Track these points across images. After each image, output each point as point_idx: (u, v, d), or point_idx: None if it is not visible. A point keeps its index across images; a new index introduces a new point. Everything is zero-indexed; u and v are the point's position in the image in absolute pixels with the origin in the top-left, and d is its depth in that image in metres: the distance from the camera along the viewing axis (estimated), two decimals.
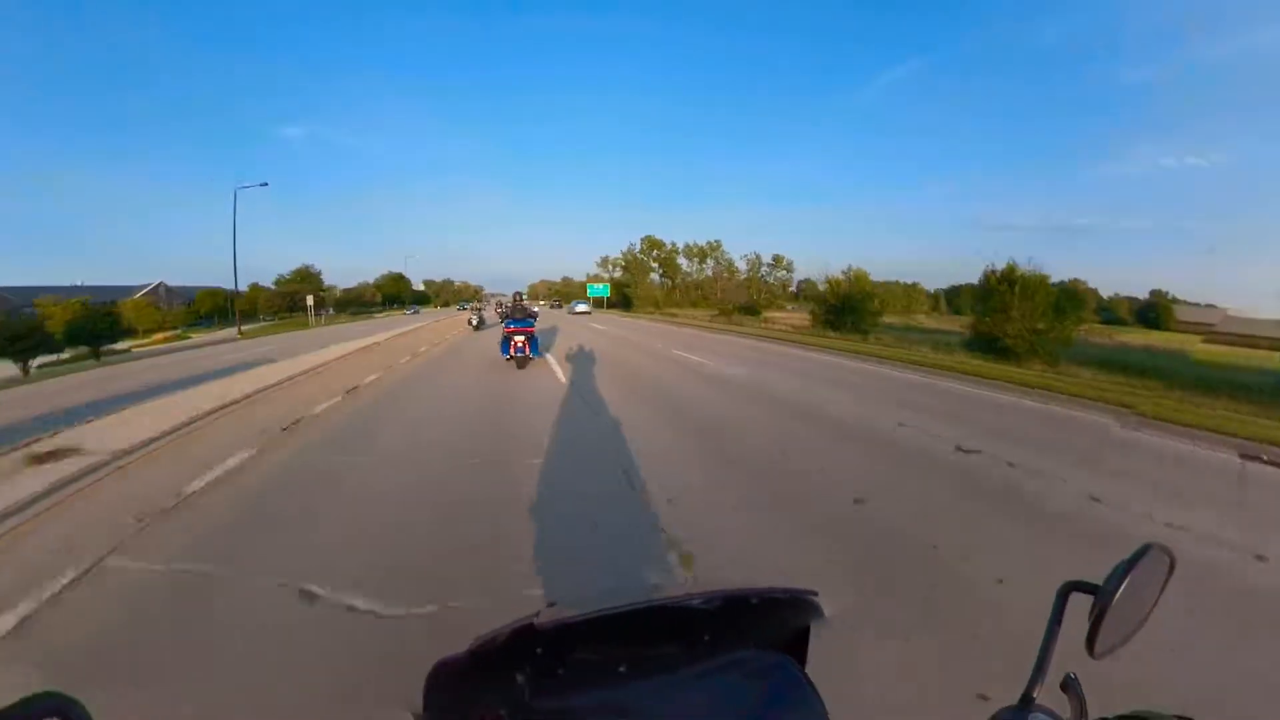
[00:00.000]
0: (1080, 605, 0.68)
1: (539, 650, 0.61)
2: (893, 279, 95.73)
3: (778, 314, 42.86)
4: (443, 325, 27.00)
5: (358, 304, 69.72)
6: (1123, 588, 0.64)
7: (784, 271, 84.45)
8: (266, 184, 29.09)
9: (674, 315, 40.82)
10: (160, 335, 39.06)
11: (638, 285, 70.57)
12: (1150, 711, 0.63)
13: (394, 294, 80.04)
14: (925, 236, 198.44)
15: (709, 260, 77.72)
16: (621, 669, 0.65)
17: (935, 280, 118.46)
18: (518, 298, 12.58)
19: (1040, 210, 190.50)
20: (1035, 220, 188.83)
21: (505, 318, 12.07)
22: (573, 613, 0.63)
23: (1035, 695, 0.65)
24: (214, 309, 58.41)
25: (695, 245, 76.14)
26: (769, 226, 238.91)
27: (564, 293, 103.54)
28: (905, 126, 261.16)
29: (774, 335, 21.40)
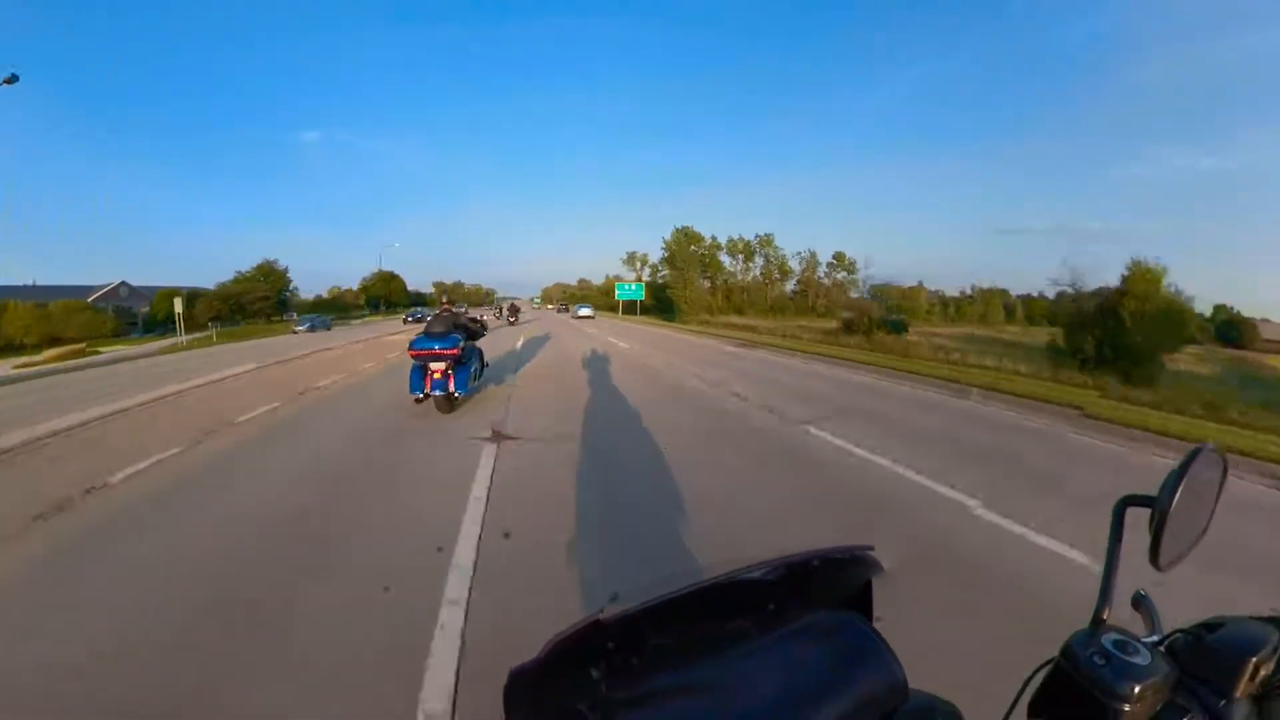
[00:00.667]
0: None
1: (610, 644, 0.62)
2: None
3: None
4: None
5: (337, 308, 59.15)
6: (1179, 495, 0.62)
7: (844, 273, 73.40)
8: (15, 78, 19.02)
9: (753, 330, 29.39)
10: (55, 352, 29.01)
11: (685, 285, 55.32)
12: (1225, 617, 0.63)
13: (382, 296, 69.05)
14: (937, 239, 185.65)
15: (756, 258, 66.76)
16: (693, 648, 0.65)
17: (946, 284, 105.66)
18: (446, 306, 8.18)
19: (1055, 214, 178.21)
20: (1049, 223, 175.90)
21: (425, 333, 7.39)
22: (637, 603, 0.63)
23: (1105, 616, 0.64)
24: (170, 312, 48.51)
25: (740, 240, 65.14)
26: (777, 229, 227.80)
27: (579, 296, 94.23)
28: (915, 129, 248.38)
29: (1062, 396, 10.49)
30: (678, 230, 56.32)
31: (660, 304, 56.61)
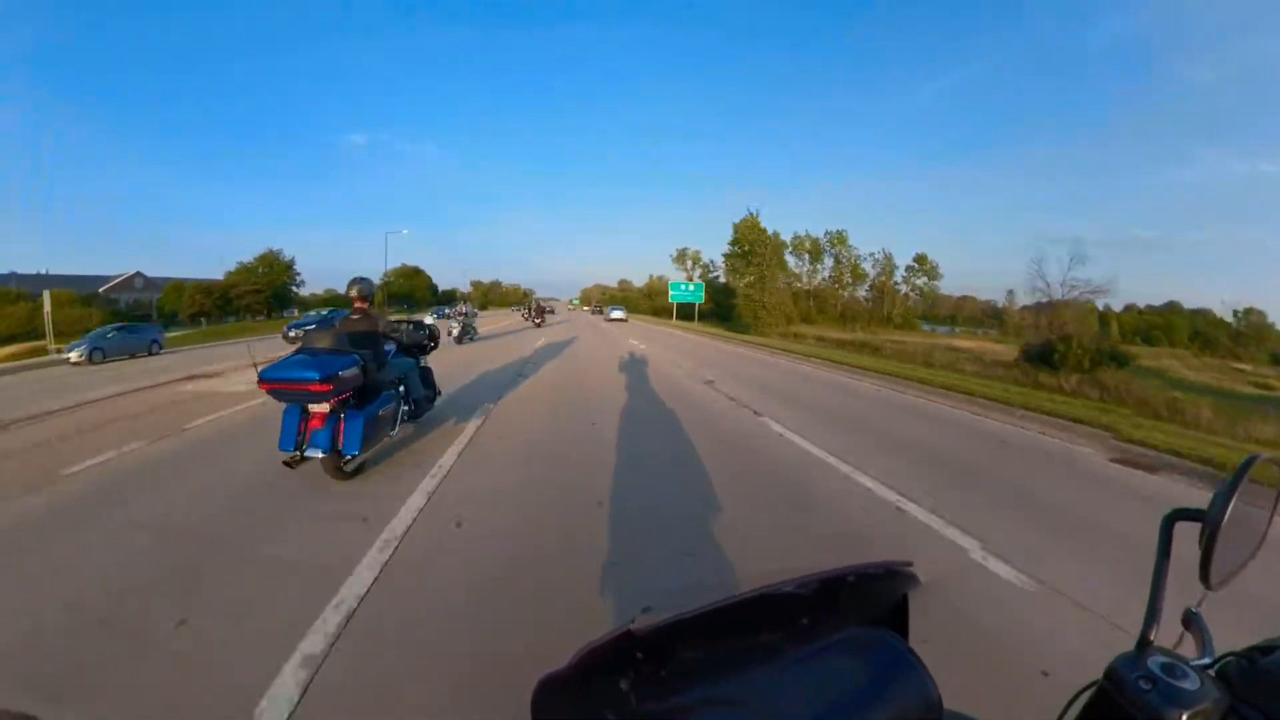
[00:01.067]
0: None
1: (640, 655, 0.62)
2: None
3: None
4: None
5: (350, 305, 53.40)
6: (1230, 508, 0.59)
7: (925, 278, 64.54)
8: None
9: (872, 352, 20.99)
10: (5, 351, 23.93)
11: (763, 287, 43.22)
12: None
13: (404, 293, 63.07)
14: (980, 249, 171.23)
15: (825, 258, 58.50)
16: (723, 662, 0.65)
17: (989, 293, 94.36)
18: (359, 305, 5.43)
19: (1105, 222, 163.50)
20: (1099, 232, 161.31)
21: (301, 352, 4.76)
22: (669, 615, 0.63)
23: (1153, 637, 0.61)
24: (178, 305, 44.08)
25: (808, 237, 56.91)
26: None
27: (619, 298, 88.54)
28: (957, 134, 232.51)
29: None
30: (751, 216, 45.02)
31: (719, 310, 47.94)
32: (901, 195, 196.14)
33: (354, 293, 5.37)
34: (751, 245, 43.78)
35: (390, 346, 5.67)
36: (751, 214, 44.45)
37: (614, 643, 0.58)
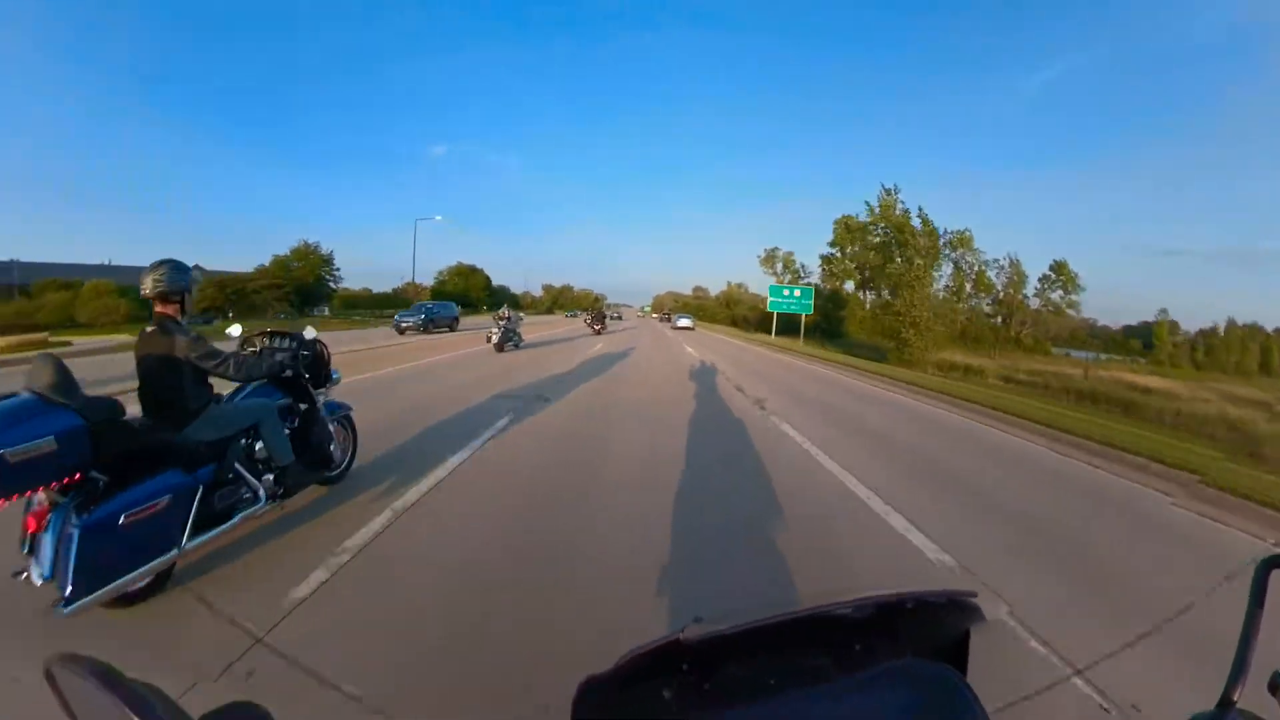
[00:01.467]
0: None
1: (685, 665, 0.60)
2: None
3: None
4: None
5: (399, 304, 49.23)
6: None
7: (1062, 291, 52.75)
8: None
9: (1111, 399, 13.14)
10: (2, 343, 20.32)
11: (910, 298, 32.20)
12: None
13: (460, 292, 58.23)
14: (1077, 262, 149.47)
15: (944, 264, 48.06)
16: (770, 681, 0.62)
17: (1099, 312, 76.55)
18: (160, 302, 2.98)
19: (1220, 232, 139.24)
20: (1213, 244, 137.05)
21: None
22: (719, 626, 0.60)
23: (1236, 698, 0.56)
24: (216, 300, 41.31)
25: (922, 236, 46.67)
26: None
27: (692, 306, 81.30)
28: (1052, 137, 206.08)
29: None
30: (887, 195, 33.48)
31: (826, 323, 38.22)
32: (952, 202, 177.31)
33: (147, 288, 2.94)
34: (897, 232, 31.71)
35: (259, 381, 3.71)
36: (887, 192, 34.22)
37: (661, 650, 0.56)
